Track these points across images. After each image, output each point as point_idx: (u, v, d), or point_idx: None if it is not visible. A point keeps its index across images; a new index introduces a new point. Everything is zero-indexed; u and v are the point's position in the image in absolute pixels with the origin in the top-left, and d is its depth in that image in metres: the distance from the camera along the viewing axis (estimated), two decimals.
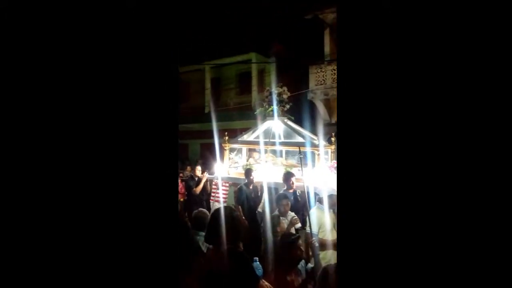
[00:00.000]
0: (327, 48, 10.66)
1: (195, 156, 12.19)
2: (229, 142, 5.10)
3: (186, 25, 11.29)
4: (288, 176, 4.22)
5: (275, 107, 4.73)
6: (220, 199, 5.06)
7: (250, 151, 5.23)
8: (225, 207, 2.25)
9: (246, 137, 5.13)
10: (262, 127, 4.99)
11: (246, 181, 4.68)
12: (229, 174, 5.07)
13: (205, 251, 2.47)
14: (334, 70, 10.13)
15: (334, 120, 10.30)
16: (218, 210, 1.91)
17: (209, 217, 2.70)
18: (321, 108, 10.62)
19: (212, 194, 5.49)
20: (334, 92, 9.94)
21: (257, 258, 2.13)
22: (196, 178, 5.60)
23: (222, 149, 5.11)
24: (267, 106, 4.81)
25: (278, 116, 4.74)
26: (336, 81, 10.02)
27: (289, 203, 3.90)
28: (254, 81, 11.26)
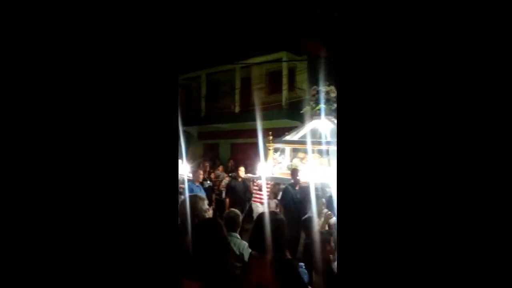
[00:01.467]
0: None
1: (226, 156, 12.16)
2: (273, 141, 4.97)
3: (215, 26, 11.28)
4: None
5: (322, 105, 4.56)
6: (264, 200, 4.95)
7: (295, 151, 5.08)
8: (271, 212, 2.15)
9: (290, 137, 4.98)
10: (308, 126, 4.82)
11: (292, 181, 4.54)
12: (273, 174, 4.94)
13: (237, 252, 2.38)
14: None
15: None
16: (263, 214, 1.83)
17: (241, 217, 2.66)
18: None
19: (254, 195, 5.38)
20: None
21: (303, 264, 2.04)
22: (240, 179, 5.50)
23: (266, 149, 4.99)
24: (314, 105, 4.64)
25: (326, 115, 4.57)
26: None
27: (324, 202, 3.85)
28: (285, 80, 11.06)
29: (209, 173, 7.30)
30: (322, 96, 4.49)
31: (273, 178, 4.97)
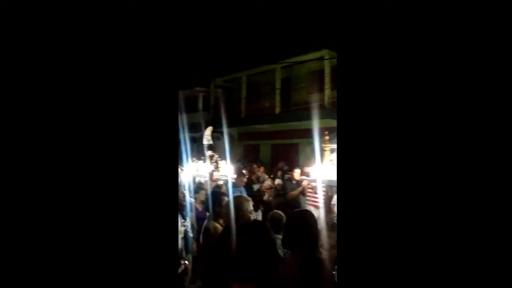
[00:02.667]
0: None
1: (266, 157, 11.87)
2: (330, 141, 4.56)
3: (255, 26, 11.06)
4: None
5: None
6: (320, 204, 4.55)
7: None
8: (303, 211, 2.14)
9: None
10: None
11: None
12: (329, 177, 4.51)
13: (282, 255, 2.23)
14: None
15: None
16: (295, 213, 1.81)
17: (284, 219, 2.54)
18: None
19: (308, 198, 4.99)
20: None
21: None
22: (294, 182, 5.13)
23: (322, 150, 4.58)
24: None
25: None
26: None
27: None
28: (327, 79, 10.58)
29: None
30: None
31: (330, 181, 4.55)
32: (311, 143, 10.70)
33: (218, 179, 5.73)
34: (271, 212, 2.98)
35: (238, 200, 2.21)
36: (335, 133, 4.52)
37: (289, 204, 4.98)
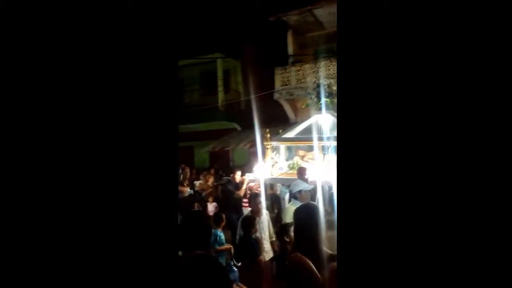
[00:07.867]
0: (290, 49, 10.44)
1: None
2: (271, 140, 4.32)
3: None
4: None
5: (323, 100, 4.12)
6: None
7: (289, 149, 4.52)
8: (195, 212, 2.14)
9: (288, 134, 4.41)
10: (307, 122, 4.33)
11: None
12: (272, 175, 4.28)
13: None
14: (298, 71, 9.97)
15: (299, 119, 10.09)
16: (189, 214, 1.85)
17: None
18: (287, 108, 10.35)
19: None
20: (298, 92, 9.75)
21: (231, 262, 2.00)
22: (234, 184, 4.63)
23: (264, 148, 4.30)
24: (316, 100, 4.18)
25: (327, 109, 4.15)
26: (300, 82, 9.83)
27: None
28: (220, 82, 10.38)
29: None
30: (323, 90, 4.07)
31: (272, 179, 4.31)
32: (205, 145, 10.32)
33: None
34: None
35: None
36: (280, 130, 4.32)
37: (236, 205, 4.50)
